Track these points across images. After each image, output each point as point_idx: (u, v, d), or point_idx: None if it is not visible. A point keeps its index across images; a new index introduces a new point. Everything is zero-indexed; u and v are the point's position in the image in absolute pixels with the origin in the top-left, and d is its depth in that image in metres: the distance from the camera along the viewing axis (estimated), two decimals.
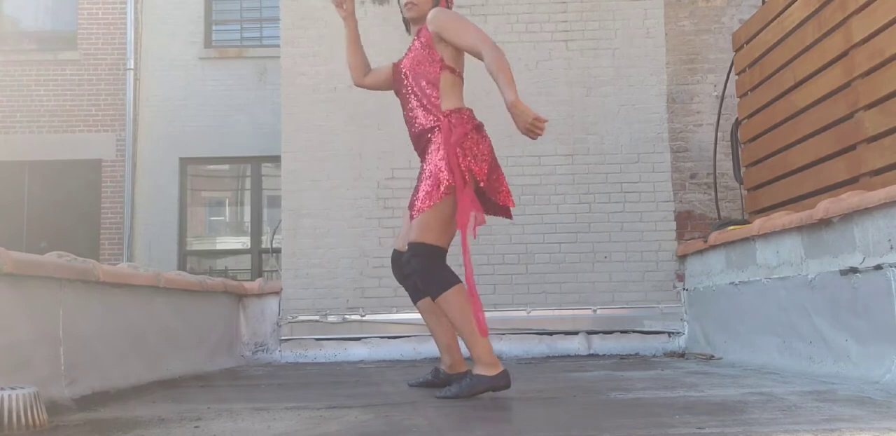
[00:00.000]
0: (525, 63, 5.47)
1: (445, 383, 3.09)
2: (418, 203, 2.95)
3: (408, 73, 3.13)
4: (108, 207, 9.69)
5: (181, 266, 9.45)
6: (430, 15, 3.08)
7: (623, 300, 5.26)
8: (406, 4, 3.17)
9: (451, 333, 3.14)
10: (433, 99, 3.05)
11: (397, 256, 3.22)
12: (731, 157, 5.21)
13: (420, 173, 3.04)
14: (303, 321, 5.29)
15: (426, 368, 4.39)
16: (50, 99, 9.81)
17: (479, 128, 3.04)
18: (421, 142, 3.09)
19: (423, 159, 3.06)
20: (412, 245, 2.94)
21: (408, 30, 3.33)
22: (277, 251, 8.33)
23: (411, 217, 3.01)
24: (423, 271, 2.92)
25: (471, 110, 3.09)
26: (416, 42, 3.16)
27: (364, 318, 5.28)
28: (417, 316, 5.22)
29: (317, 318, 5.29)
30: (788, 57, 4.32)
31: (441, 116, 3.01)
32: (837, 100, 3.82)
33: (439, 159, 2.94)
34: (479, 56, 2.96)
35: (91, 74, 9.87)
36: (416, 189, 3.00)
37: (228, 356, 4.89)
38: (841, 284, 3.17)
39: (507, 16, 5.55)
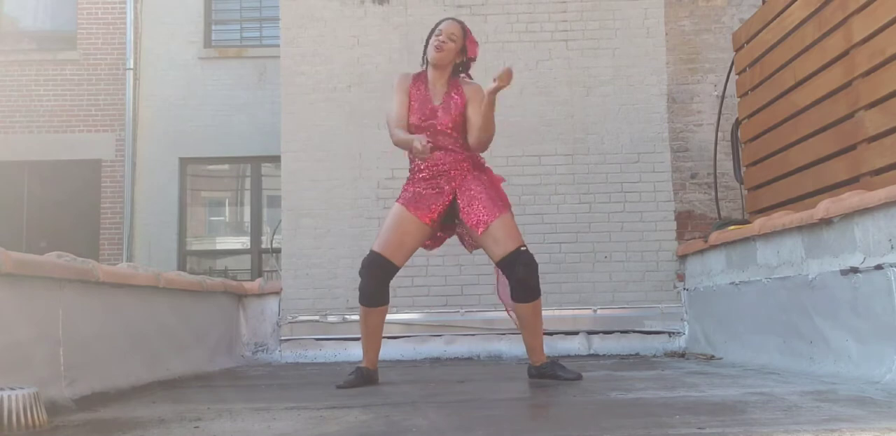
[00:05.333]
0: (525, 63, 5.47)
1: None
2: (492, 211, 3.23)
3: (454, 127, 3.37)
4: (108, 207, 9.68)
5: (181, 266, 9.45)
6: (477, 87, 3.39)
7: (623, 300, 5.26)
8: (438, 46, 3.33)
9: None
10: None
11: (383, 261, 3.32)
12: (731, 156, 5.21)
13: (465, 191, 3.29)
14: (303, 321, 5.29)
15: (426, 368, 4.40)
16: (49, 99, 9.80)
17: None
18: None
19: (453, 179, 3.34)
20: (524, 252, 3.21)
21: (427, 62, 3.44)
22: (277, 251, 8.32)
23: (483, 224, 3.21)
24: (536, 275, 3.22)
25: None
26: (455, 97, 3.36)
27: None
28: (417, 316, 5.25)
29: (317, 318, 5.29)
30: (789, 56, 4.31)
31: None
32: (838, 99, 3.81)
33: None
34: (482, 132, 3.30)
35: (91, 74, 9.86)
36: (472, 202, 3.25)
37: (228, 356, 4.89)
38: (841, 283, 3.17)
39: (507, 16, 5.54)
